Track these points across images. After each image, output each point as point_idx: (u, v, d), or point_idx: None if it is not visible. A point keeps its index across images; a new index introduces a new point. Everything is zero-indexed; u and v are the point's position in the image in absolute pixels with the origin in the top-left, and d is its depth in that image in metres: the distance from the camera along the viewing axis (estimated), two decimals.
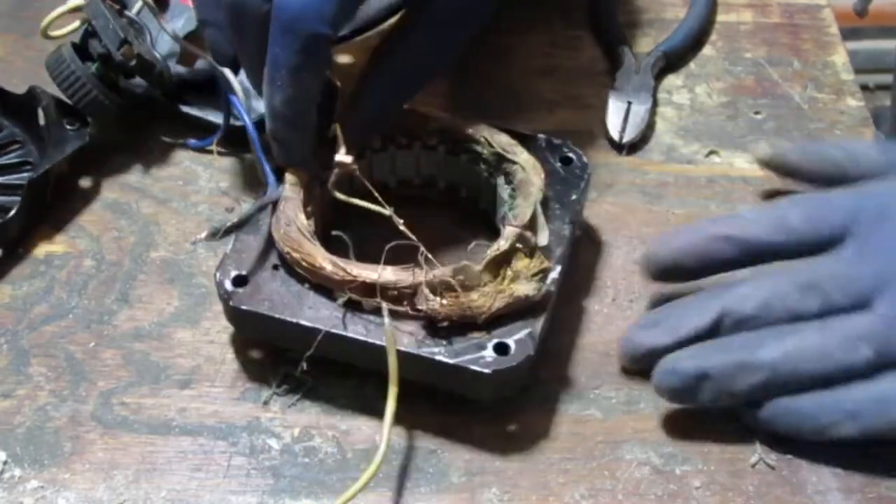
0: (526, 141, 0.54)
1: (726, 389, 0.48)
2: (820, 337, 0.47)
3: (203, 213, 0.58)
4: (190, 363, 0.52)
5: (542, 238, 0.51)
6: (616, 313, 0.54)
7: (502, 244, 0.49)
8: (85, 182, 0.60)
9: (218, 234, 0.50)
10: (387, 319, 0.47)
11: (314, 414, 0.51)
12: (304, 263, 0.49)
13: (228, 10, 0.49)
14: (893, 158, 0.55)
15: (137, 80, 0.59)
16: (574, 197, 0.53)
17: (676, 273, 0.52)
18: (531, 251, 0.49)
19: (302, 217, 0.50)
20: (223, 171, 0.60)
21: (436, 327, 0.48)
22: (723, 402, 0.48)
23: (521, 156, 0.53)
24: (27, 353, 0.53)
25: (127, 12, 0.59)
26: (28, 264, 0.56)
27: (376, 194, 0.49)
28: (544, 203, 0.52)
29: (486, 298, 0.48)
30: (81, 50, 0.58)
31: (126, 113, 0.59)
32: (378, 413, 0.48)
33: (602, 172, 0.60)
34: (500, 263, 0.49)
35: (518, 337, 0.48)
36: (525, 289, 0.48)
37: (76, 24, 0.59)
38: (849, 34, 0.71)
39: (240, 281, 0.50)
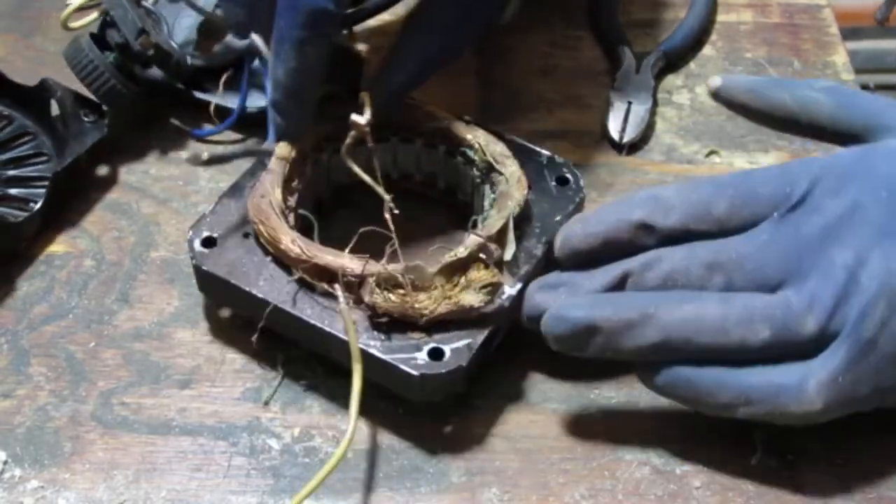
0: (528, 153, 0.54)
1: (615, 346, 0.46)
2: (720, 309, 0.46)
3: (203, 212, 0.58)
4: (190, 363, 0.52)
5: (508, 253, 0.50)
6: None
7: (460, 251, 0.48)
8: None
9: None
10: (342, 298, 0.48)
11: (314, 414, 0.51)
12: (266, 235, 0.50)
13: None
14: (842, 113, 0.54)
15: (154, 69, 0.60)
16: (558, 218, 0.52)
17: (590, 260, 0.49)
18: (496, 263, 0.49)
19: (278, 192, 0.51)
20: (224, 171, 0.60)
21: (379, 321, 0.48)
22: (610, 357, 0.47)
23: (509, 168, 0.52)
24: (27, 353, 0.53)
25: (144, 3, 0.60)
26: (28, 264, 0.56)
27: (378, 175, 0.50)
28: (525, 219, 0.52)
29: (430, 301, 0.48)
30: (99, 40, 0.59)
31: (143, 99, 0.60)
32: (379, 413, 0.48)
33: (602, 172, 0.60)
34: (455, 270, 0.48)
35: (456, 346, 0.47)
36: (471, 299, 0.48)
37: (94, 15, 0.59)
38: (849, 34, 0.72)
39: (208, 242, 0.51)
